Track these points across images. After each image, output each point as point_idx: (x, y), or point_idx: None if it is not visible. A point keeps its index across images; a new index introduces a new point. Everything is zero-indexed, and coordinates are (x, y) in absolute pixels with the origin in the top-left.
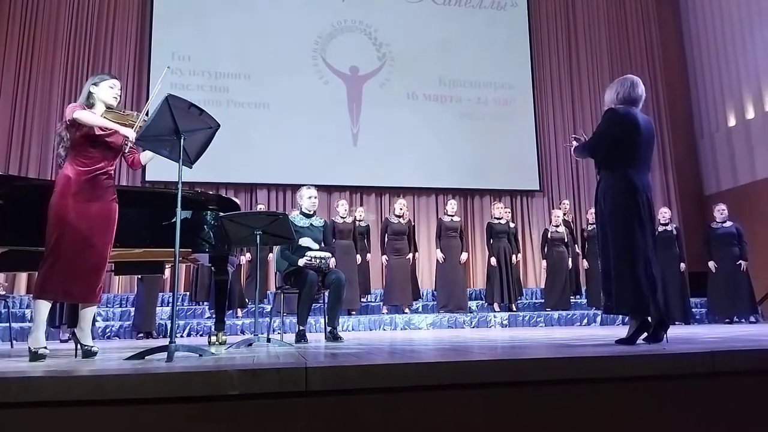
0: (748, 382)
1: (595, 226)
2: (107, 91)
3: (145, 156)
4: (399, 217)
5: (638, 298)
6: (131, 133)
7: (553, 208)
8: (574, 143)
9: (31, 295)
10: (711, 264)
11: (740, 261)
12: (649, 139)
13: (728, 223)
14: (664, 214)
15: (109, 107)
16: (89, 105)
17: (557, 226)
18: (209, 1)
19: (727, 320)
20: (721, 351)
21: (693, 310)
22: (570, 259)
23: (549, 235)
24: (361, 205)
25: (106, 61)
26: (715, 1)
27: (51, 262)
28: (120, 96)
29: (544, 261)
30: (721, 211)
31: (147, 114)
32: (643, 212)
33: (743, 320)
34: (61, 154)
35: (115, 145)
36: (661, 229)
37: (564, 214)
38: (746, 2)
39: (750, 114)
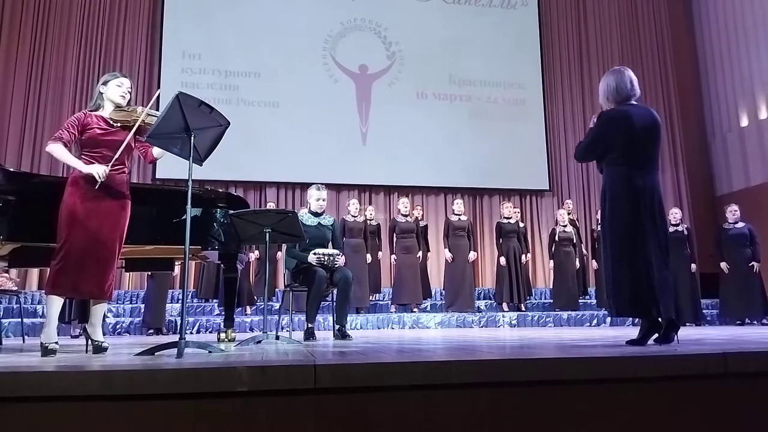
0: (760, 384)
1: None
2: (115, 90)
3: (158, 150)
4: (405, 215)
5: (636, 302)
6: (100, 171)
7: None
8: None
9: (43, 291)
10: (723, 265)
11: (753, 262)
12: (648, 134)
13: (740, 224)
14: (674, 214)
15: (118, 106)
16: (97, 107)
17: (565, 225)
18: None
19: (738, 322)
20: (733, 352)
21: (704, 311)
22: (577, 259)
23: (557, 236)
24: (370, 203)
25: (117, 60)
26: (727, 0)
27: (60, 259)
28: (129, 94)
29: (551, 261)
30: (733, 211)
31: (151, 108)
32: (645, 213)
33: (755, 322)
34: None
35: (122, 142)
36: (671, 229)
37: (569, 214)
38: (759, 1)
39: (763, 114)
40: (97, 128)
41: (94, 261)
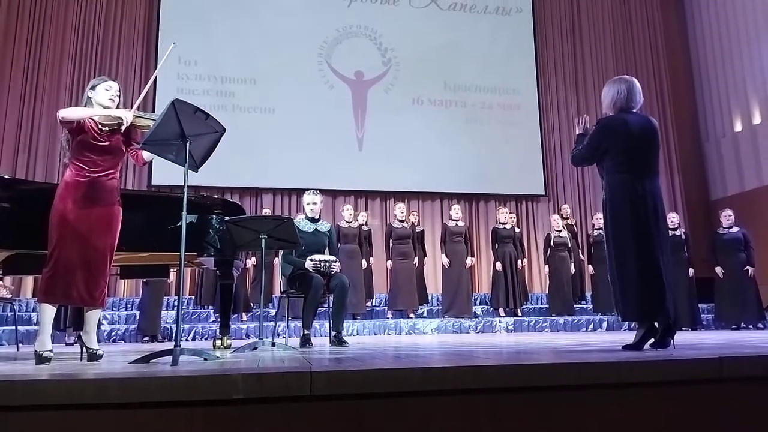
0: (756, 389)
1: (601, 231)
2: (103, 93)
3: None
4: (402, 221)
5: (642, 306)
6: (126, 114)
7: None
8: (579, 128)
9: (36, 299)
10: (718, 270)
11: (747, 267)
12: (646, 142)
13: (735, 229)
14: (672, 219)
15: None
16: None
17: (560, 231)
18: (216, 6)
19: (734, 326)
20: (729, 357)
21: (700, 315)
22: (573, 264)
23: (552, 241)
24: (366, 209)
25: (112, 66)
26: (720, 6)
27: (52, 266)
28: (118, 98)
29: (547, 266)
30: (727, 216)
31: (138, 109)
32: (647, 218)
33: (750, 326)
34: (66, 162)
35: (113, 147)
36: (669, 234)
37: (565, 219)
38: (752, 7)
39: (757, 119)
40: (91, 131)
41: (85, 268)
